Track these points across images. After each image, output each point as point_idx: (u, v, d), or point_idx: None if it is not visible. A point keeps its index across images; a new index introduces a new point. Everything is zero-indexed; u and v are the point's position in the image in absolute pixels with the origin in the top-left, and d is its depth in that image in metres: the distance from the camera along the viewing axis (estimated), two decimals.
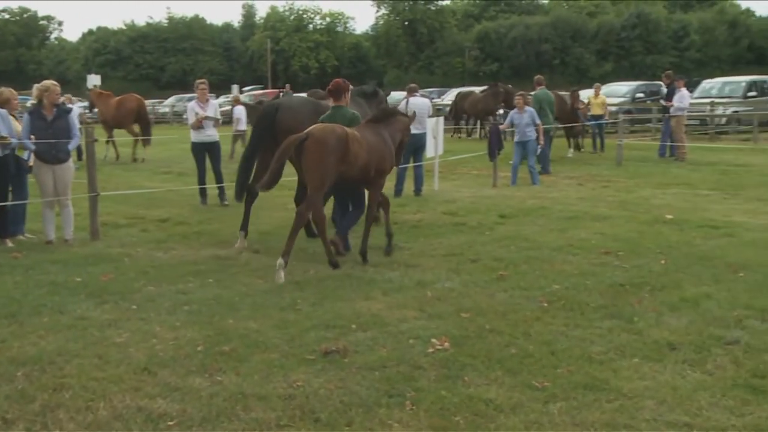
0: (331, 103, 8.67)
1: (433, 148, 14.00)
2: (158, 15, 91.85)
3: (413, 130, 12.99)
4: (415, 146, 13.29)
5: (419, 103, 13.47)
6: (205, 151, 12.54)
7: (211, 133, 12.55)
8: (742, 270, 7.30)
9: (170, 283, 7.30)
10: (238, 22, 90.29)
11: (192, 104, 12.70)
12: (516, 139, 14.87)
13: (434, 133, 13.94)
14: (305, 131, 7.69)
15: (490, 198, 12.62)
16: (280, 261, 7.41)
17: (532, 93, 17.09)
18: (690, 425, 4.13)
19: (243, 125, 20.18)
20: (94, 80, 58.64)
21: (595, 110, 20.87)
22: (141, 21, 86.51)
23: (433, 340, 5.48)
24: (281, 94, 28.15)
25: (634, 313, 6.06)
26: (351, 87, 8.93)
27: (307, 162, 7.63)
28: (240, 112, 20.53)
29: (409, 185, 13.22)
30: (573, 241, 8.88)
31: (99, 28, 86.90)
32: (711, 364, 4.99)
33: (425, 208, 11.69)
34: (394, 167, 9.02)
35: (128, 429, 4.18)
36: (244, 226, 9.32)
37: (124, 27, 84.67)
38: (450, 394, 4.57)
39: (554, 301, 6.46)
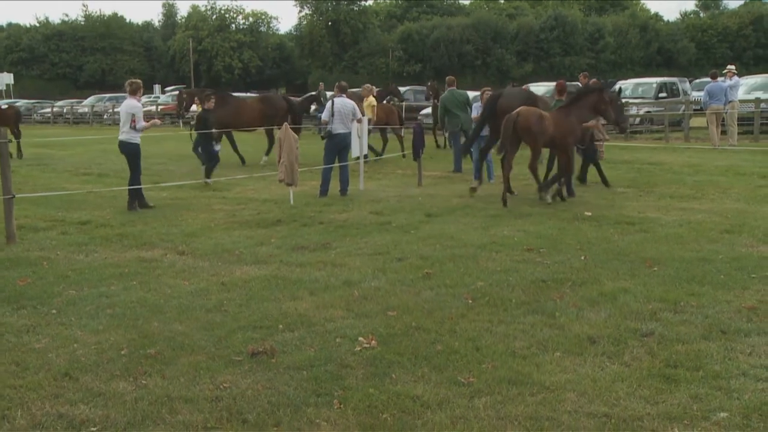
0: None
1: (358, 148, 14.04)
2: (74, 12, 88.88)
3: (338, 130, 13.12)
4: (340, 146, 13.34)
5: (345, 103, 13.50)
6: (122, 153, 12.01)
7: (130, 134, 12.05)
8: (657, 264, 7.57)
9: (92, 287, 7.13)
10: (159, 22, 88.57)
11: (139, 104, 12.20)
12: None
13: (359, 133, 13.99)
14: (515, 111, 11.56)
15: (415, 197, 12.74)
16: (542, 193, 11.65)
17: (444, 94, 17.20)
18: (609, 415, 4.26)
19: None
20: (5, 79, 56.57)
21: None
22: (55, 18, 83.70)
23: (360, 339, 5.52)
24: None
25: (555, 309, 6.22)
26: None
27: (521, 132, 11.42)
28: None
29: (334, 185, 13.24)
30: (496, 239, 9.05)
31: (10, 25, 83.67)
32: (628, 356, 5.17)
33: (351, 208, 11.73)
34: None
35: None
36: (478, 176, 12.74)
37: (37, 24, 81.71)
38: (377, 392, 4.60)
39: (479, 298, 6.57)
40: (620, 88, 14.99)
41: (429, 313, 6.20)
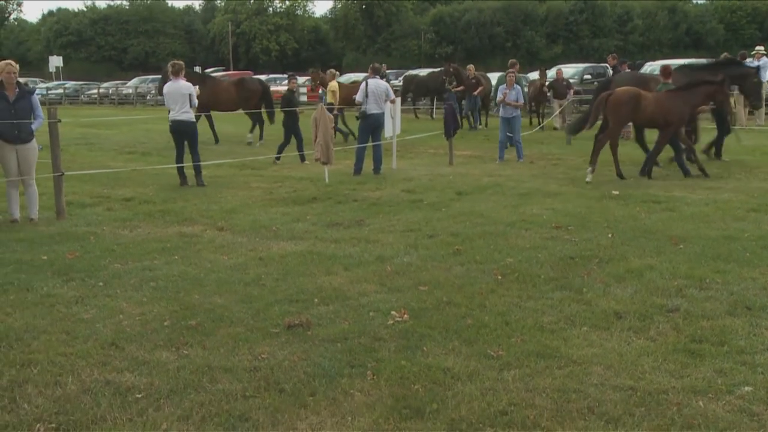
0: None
1: (391, 128, 14.18)
2: None
3: (372, 110, 13.29)
4: (373, 126, 13.49)
5: (378, 84, 13.65)
6: (181, 132, 12.32)
7: (188, 114, 12.27)
8: (682, 242, 7.64)
9: (136, 261, 7.39)
10: (200, 5, 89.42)
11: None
12: (501, 114, 15.19)
13: (392, 113, 14.12)
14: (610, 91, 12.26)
15: (446, 176, 12.85)
16: (588, 169, 11.75)
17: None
18: (634, 388, 4.36)
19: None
20: (55, 62, 57.78)
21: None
22: (102, 3, 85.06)
23: (393, 313, 5.67)
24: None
25: (583, 285, 6.33)
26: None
27: (608, 111, 11.89)
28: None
29: (368, 164, 13.39)
30: (526, 217, 9.16)
31: (59, 10, 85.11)
32: (654, 331, 5.28)
33: (384, 186, 11.88)
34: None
35: (97, 402, 4.24)
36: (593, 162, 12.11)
37: (84, 9, 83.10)
38: (409, 364, 4.72)
39: (508, 274, 6.70)
40: (758, 67, 15.19)
41: (459, 288, 6.34)
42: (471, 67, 23.79)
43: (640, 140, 13.49)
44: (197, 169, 12.24)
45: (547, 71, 23.72)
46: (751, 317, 5.47)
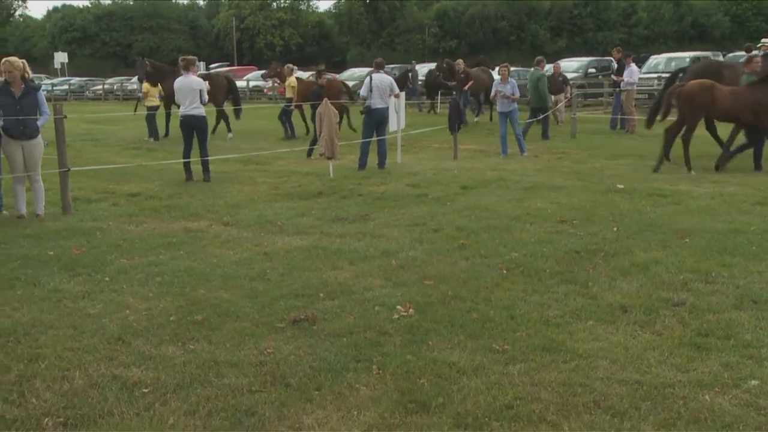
0: None
1: (395, 123, 14.18)
2: None
3: (377, 105, 13.30)
4: (378, 120, 13.49)
5: (383, 79, 13.66)
6: (192, 127, 12.33)
7: (199, 109, 12.26)
8: (688, 236, 7.63)
9: (142, 256, 7.41)
10: (204, 1, 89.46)
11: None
12: (499, 109, 15.21)
13: (396, 108, 14.12)
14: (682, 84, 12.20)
15: (451, 170, 12.84)
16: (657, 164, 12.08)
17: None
18: (640, 382, 4.36)
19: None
20: (61, 58, 57.96)
21: None
22: (107, 0, 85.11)
23: (398, 307, 5.68)
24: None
25: (588, 279, 6.33)
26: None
27: (680, 105, 11.81)
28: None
29: (372, 159, 13.40)
30: (530, 211, 9.15)
31: (64, 6, 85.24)
32: (660, 325, 5.27)
33: (389, 181, 11.89)
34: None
35: (104, 397, 4.26)
36: (666, 155, 12.23)
37: (89, 5, 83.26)
38: (415, 358, 4.73)
39: (513, 268, 6.70)
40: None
41: (464, 282, 6.35)
42: (460, 61, 23.72)
43: (713, 133, 13.30)
44: (205, 165, 12.27)
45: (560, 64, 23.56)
46: (758, 311, 5.46)
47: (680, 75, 14.48)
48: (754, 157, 12.06)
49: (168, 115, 19.85)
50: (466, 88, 22.34)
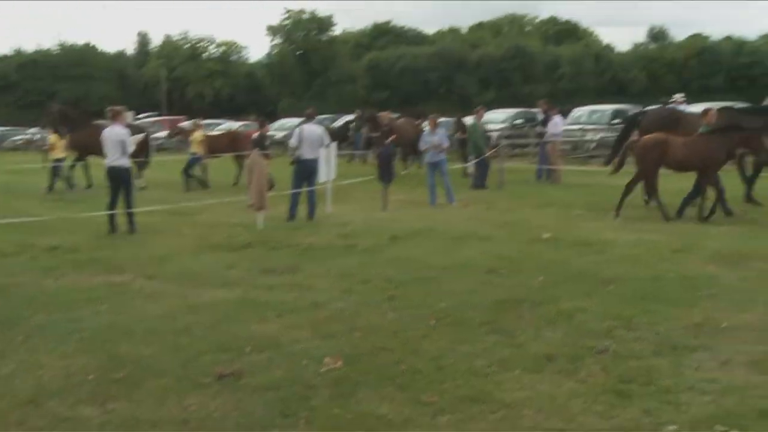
0: None
1: (325, 173, 14.22)
2: (48, 43, 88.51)
3: (307, 156, 13.33)
4: (307, 172, 13.52)
5: (313, 130, 13.74)
6: (118, 178, 12.07)
7: (123, 160, 12.07)
8: (612, 284, 7.82)
9: (61, 311, 7.16)
10: (133, 50, 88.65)
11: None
12: (427, 159, 15.38)
13: (327, 158, 14.18)
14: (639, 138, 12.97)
15: (381, 221, 12.91)
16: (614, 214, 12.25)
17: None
18: (564, 430, 4.44)
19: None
20: None
21: None
22: (29, 47, 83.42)
23: (327, 360, 5.63)
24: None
25: (515, 328, 6.41)
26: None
27: (636, 158, 12.42)
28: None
29: (303, 209, 13.38)
30: (459, 261, 9.25)
31: None
32: (584, 373, 5.36)
33: (318, 232, 11.87)
34: None
35: None
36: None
37: (10, 54, 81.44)
38: (343, 412, 4.70)
39: (442, 319, 6.74)
40: None
41: (393, 333, 6.35)
42: (384, 114, 23.83)
43: (631, 187, 13.31)
44: (130, 216, 12.03)
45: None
46: (675, 357, 5.62)
47: (638, 119, 14.89)
48: (683, 201, 12.45)
49: (85, 166, 19.38)
50: (388, 141, 22.20)
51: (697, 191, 12.28)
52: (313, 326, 6.58)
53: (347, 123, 26.51)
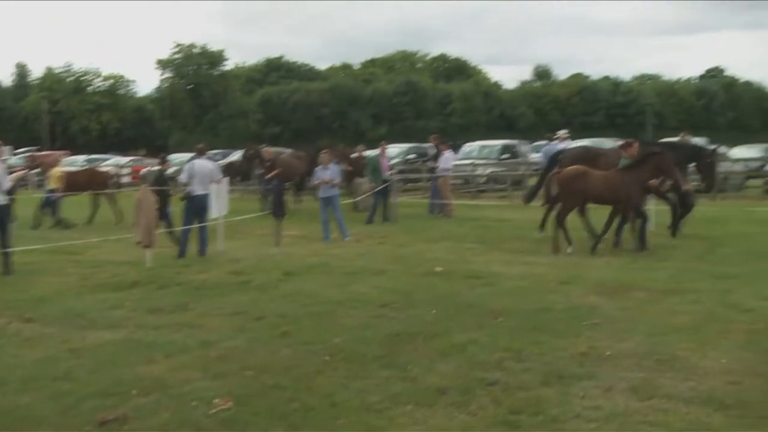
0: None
1: (217, 209, 13.99)
2: None
3: (197, 192, 13.09)
4: (198, 207, 13.26)
5: (204, 165, 13.53)
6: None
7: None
8: (502, 316, 7.99)
9: None
10: (12, 82, 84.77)
11: None
12: (320, 194, 15.34)
13: (218, 193, 13.98)
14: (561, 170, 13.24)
15: (274, 256, 12.78)
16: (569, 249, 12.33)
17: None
18: None
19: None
20: None
21: None
22: None
23: (216, 401, 5.49)
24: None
25: (408, 362, 6.44)
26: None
27: (558, 190, 12.83)
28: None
29: (193, 246, 13.09)
30: (353, 295, 9.25)
31: None
32: (475, 405, 5.43)
33: (210, 268, 11.62)
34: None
35: None
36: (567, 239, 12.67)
37: None
38: None
39: (335, 354, 6.70)
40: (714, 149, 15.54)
41: (286, 370, 6.26)
42: (267, 149, 23.57)
43: (583, 217, 13.67)
44: (6, 256, 11.40)
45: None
46: (562, 386, 5.77)
47: (559, 157, 15.40)
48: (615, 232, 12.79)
49: None
50: (269, 176, 21.89)
51: (624, 221, 12.71)
52: (203, 366, 6.40)
53: (252, 156, 25.98)
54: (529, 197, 15.41)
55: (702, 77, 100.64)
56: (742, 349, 6.60)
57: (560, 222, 12.63)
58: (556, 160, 15.24)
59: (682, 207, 14.11)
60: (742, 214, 13.71)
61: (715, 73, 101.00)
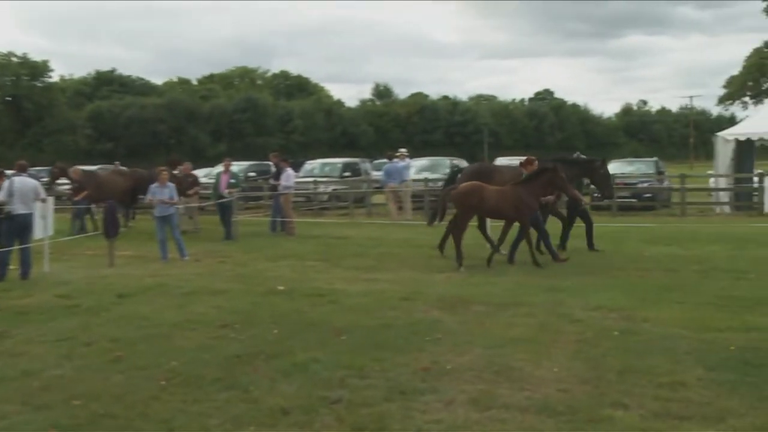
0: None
1: (42, 229, 13.12)
2: None
3: (19, 211, 12.20)
4: (20, 227, 12.38)
5: (25, 182, 12.65)
6: None
7: None
8: (344, 333, 7.96)
9: None
10: None
11: None
12: (156, 213, 14.67)
13: (43, 213, 13.11)
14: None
15: (107, 278, 12.13)
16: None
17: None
18: None
19: None
20: None
21: None
22: None
23: None
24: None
25: (250, 382, 6.27)
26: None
27: (454, 204, 13.03)
28: None
29: (14, 269, 12.18)
30: (191, 317, 8.92)
31: None
32: (318, 424, 5.36)
33: (34, 292, 10.85)
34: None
35: None
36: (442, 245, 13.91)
37: None
38: None
39: (172, 378, 6.42)
40: (603, 159, 15.65)
41: (118, 398, 5.92)
42: (74, 169, 22.48)
43: (482, 230, 14.04)
44: None
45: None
46: (405, 401, 5.81)
47: (457, 174, 15.64)
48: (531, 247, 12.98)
49: None
50: (77, 198, 20.83)
51: (521, 236, 12.99)
52: (23, 398, 5.93)
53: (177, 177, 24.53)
54: (432, 219, 15.45)
55: (532, 99, 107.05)
56: (571, 358, 6.93)
57: (456, 237, 12.87)
58: (454, 177, 15.63)
59: (585, 223, 14.75)
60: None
61: (544, 95, 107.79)
